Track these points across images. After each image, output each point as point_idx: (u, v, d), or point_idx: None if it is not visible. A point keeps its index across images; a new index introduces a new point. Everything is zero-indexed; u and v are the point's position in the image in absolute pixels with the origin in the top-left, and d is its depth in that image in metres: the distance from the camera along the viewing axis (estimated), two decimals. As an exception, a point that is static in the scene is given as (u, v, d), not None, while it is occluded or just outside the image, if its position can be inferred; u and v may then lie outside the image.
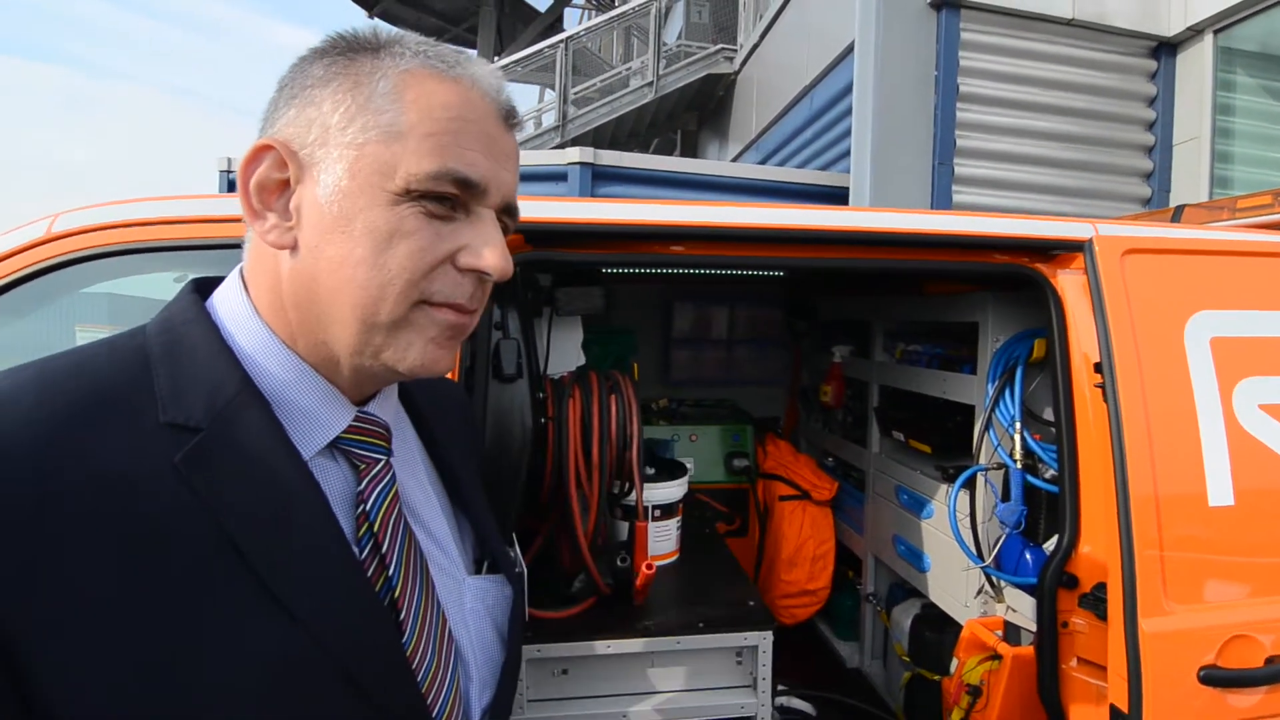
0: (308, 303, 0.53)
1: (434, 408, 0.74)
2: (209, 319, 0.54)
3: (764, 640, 1.37)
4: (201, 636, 0.45)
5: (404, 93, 0.52)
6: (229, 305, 0.55)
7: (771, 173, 5.40)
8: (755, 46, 6.91)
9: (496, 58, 11.05)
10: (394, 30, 0.57)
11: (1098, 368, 1.29)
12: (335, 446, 0.57)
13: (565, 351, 1.71)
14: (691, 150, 9.37)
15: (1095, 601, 1.35)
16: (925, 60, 4.26)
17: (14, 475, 0.42)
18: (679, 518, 1.68)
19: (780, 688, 1.83)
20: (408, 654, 0.55)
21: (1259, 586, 1.26)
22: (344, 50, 0.54)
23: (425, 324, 0.54)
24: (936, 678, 1.88)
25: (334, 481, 0.56)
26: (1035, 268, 1.45)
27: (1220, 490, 1.25)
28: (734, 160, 7.60)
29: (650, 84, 7.88)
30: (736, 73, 7.64)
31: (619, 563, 1.39)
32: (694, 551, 1.77)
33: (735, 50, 7.71)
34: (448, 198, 0.53)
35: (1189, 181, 4.38)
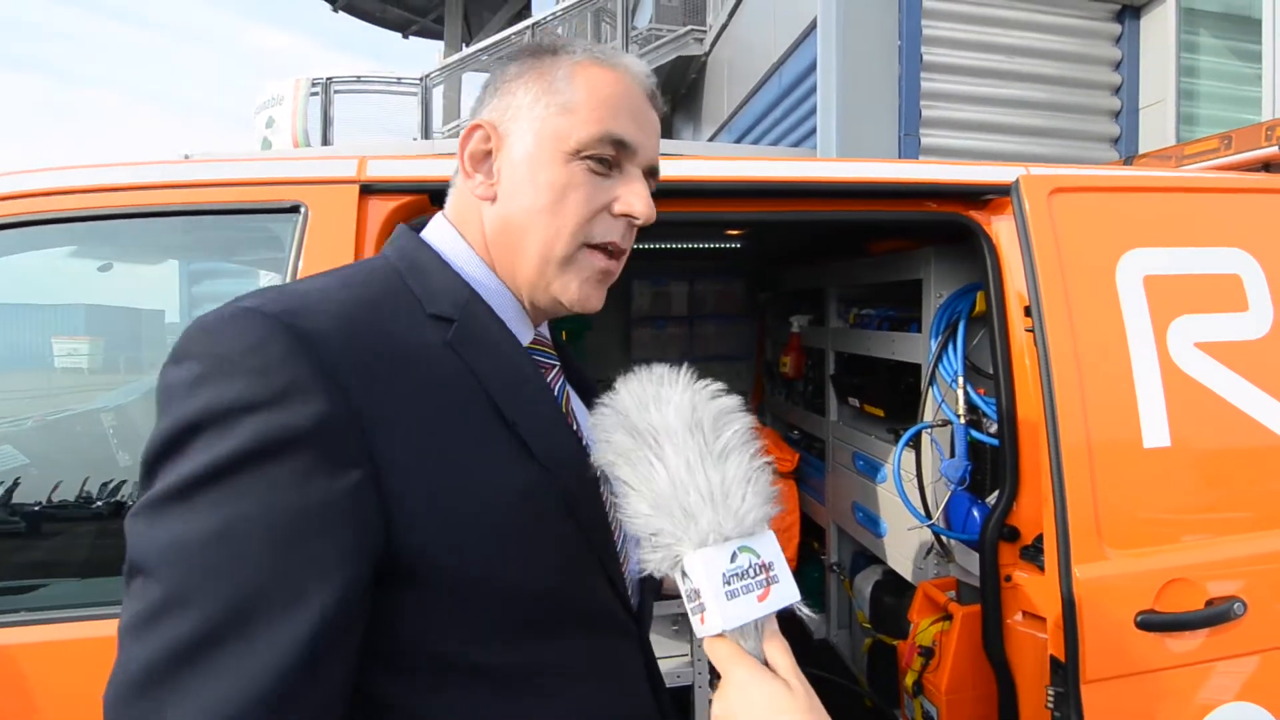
0: (503, 241, 0.69)
1: None
2: (431, 249, 0.69)
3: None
4: (484, 469, 0.59)
5: (575, 78, 0.67)
6: (445, 240, 0.70)
7: (744, 151, 5.35)
8: (724, 26, 6.82)
9: (464, 46, 10.89)
10: (567, 38, 0.73)
11: (1028, 311, 1.25)
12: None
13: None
14: (666, 133, 9.21)
15: (1036, 553, 1.32)
16: (888, 31, 4.20)
17: (359, 343, 0.56)
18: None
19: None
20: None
21: (1197, 527, 1.23)
22: (532, 53, 0.70)
23: (585, 265, 0.68)
24: (894, 642, 1.85)
25: None
26: (970, 215, 1.41)
27: (1156, 432, 1.22)
28: (709, 142, 7.53)
29: (622, 68, 7.76)
30: (707, 54, 7.55)
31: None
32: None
33: (705, 31, 7.62)
34: (606, 159, 0.67)
35: (1156, 145, 4.35)
